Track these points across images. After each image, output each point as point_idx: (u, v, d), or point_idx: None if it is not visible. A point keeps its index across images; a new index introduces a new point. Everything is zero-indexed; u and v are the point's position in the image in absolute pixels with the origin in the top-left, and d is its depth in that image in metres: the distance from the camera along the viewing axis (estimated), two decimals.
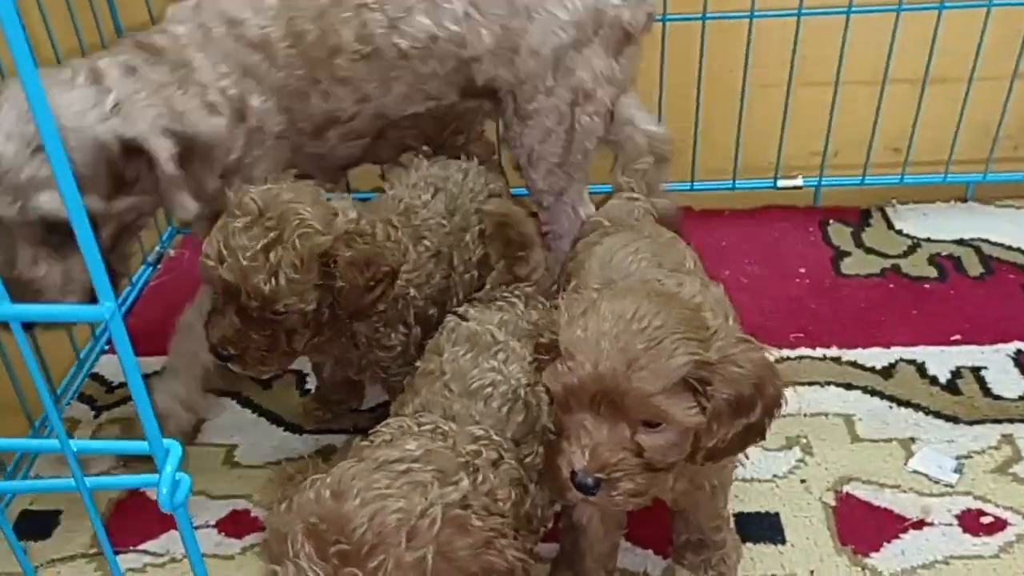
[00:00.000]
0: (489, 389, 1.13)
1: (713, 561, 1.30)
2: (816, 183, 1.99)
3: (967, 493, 1.39)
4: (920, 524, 1.35)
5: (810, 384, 1.59)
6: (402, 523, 0.88)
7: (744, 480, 1.43)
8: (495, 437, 1.08)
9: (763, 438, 1.06)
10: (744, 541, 1.34)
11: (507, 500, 1.03)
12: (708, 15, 1.79)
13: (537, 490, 1.12)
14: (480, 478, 1.00)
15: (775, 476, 1.44)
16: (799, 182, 1.98)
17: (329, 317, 1.25)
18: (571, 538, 1.26)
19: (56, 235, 1.22)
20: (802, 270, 1.85)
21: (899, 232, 1.93)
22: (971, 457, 1.45)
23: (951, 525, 1.35)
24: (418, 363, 1.23)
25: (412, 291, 1.34)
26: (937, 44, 1.83)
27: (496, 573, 0.92)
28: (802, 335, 1.69)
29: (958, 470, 1.43)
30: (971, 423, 1.50)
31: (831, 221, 1.97)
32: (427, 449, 0.97)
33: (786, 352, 1.65)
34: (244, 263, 1.15)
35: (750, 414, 1.02)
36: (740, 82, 1.88)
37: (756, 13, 1.78)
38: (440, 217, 1.40)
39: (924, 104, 1.90)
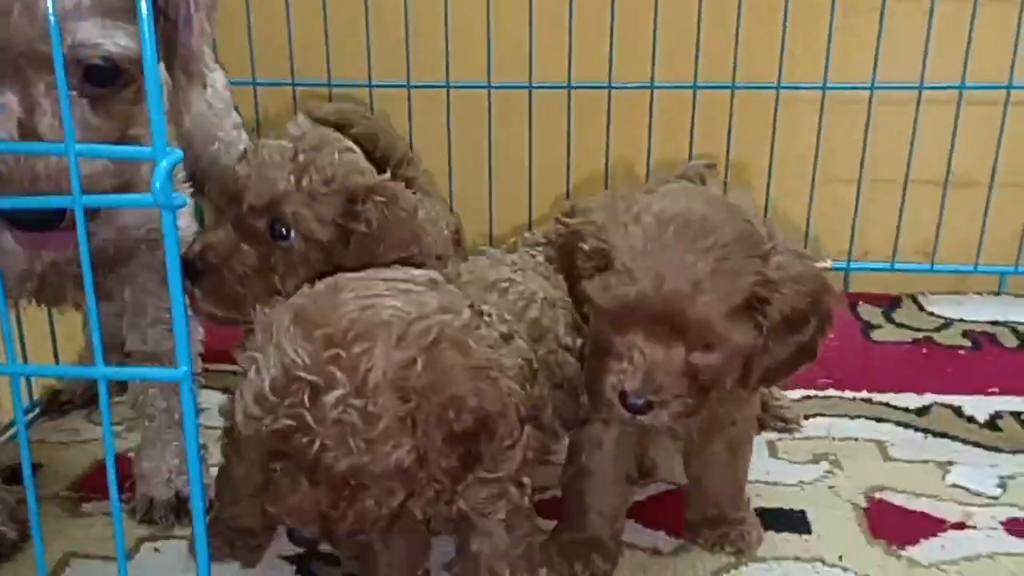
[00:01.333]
0: (505, 284, 1.11)
1: (731, 536, 1.19)
2: (845, 266, 1.99)
3: (1013, 504, 1.27)
4: (961, 525, 1.23)
5: (839, 416, 1.51)
6: (395, 320, 0.84)
7: (767, 483, 1.33)
8: (508, 318, 1.03)
9: (813, 359, 1.02)
10: (766, 530, 1.22)
11: (514, 369, 0.97)
12: (738, 84, 1.87)
13: (549, 390, 1.06)
14: (485, 331, 0.95)
15: (801, 482, 1.33)
16: (828, 264, 1.98)
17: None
18: (576, 490, 1.16)
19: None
20: (830, 336, 1.80)
21: (931, 313, 1.90)
22: (1015, 478, 1.34)
23: (995, 529, 1.22)
24: None
25: None
26: (958, 145, 1.89)
27: (488, 403, 0.86)
28: (830, 381, 1.62)
29: (1001, 486, 1.32)
30: (1014, 452, 1.40)
31: (860, 303, 1.94)
32: (434, 280, 0.93)
33: (813, 392, 1.58)
34: (264, 159, 1.07)
35: (804, 330, 0.99)
36: (766, 170, 1.94)
37: (784, 85, 1.87)
38: None
39: (948, 206, 1.94)
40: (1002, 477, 1.33)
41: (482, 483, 0.96)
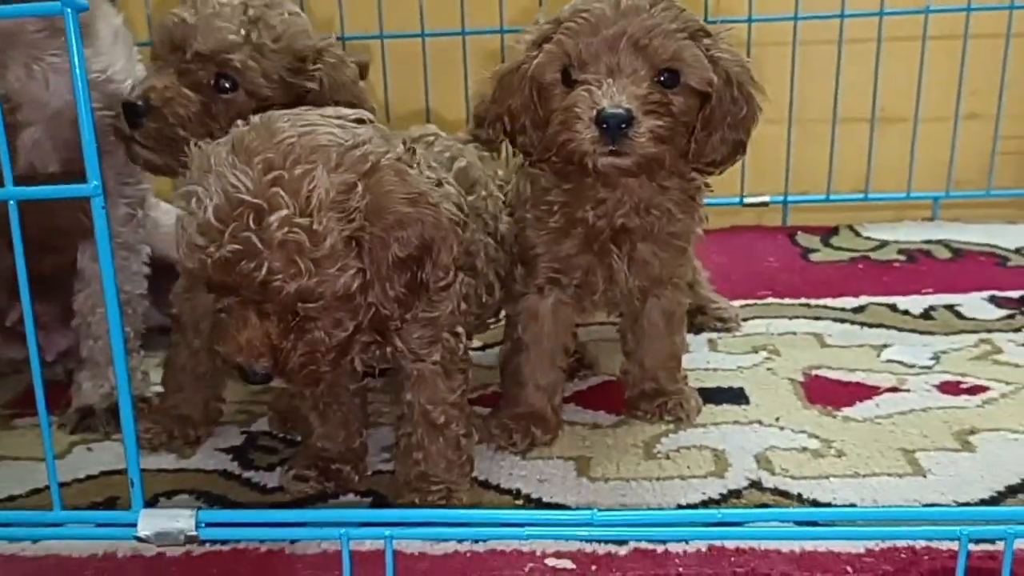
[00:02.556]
0: (431, 138, 1.11)
1: (670, 406, 1.19)
2: (783, 200, 2.02)
3: (946, 372, 1.29)
4: (895, 389, 1.25)
5: (778, 318, 1.53)
6: (332, 145, 0.85)
7: (706, 369, 1.34)
8: (433, 165, 1.03)
9: (744, 151, 1.06)
10: (705, 404, 1.23)
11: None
12: None
13: (482, 237, 1.07)
14: (418, 166, 0.95)
15: (740, 367, 1.34)
16: (766, 199, 2.01)
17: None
18: (514, 365, 1.16)
19: None
20: (771, 259, 1.83)
21: (867, 238, 1.93)
22: (948, 353, 1.36)
23: (929, 391, 1.24)
24: None
25: None
26: (883, 83, 1.94)
27: (429, 228, 0.86)
28: (770, 292, 1.64)
29: (934, 358, 1.34)
30: (947, 334, 1.43)
31: (799, 233, 1.97)
32: (364, 118, 0.93)
33: (753, 302, 1.60)
34: (214, 8, 1.06)
35: (738, 104, 1.03)
36: None
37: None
38: None
39: (879, 142, 1.99)
40: (936, 352, 1.36)
41: (418, 324, 0.96)
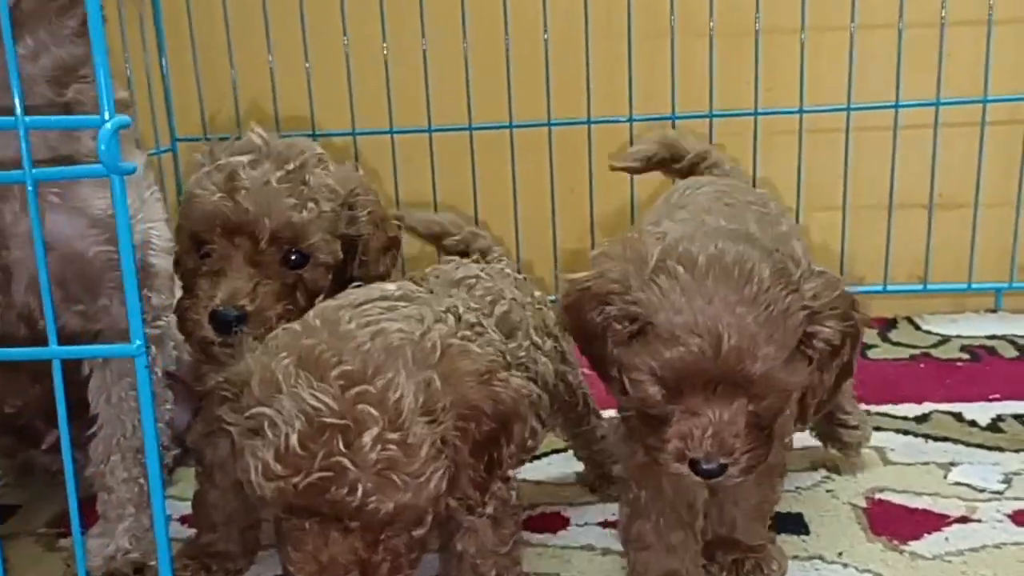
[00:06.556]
0: (472, 281, 1.07)
1: (747, 567, 1.10)
2: None
3: (1018, 498, 1.23)
4: (965, 519, 1.19)
5: None
6: (406, 343, 0.81)
7: None
8: (474, 307, 1.00)
9: (851, 374, 0.98)
10: None
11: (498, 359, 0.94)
12: (715, 112, 1.90)
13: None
14: (463, 326, 0.93)
15: (798, 487, 1.29)
16: None
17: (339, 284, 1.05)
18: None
19: None
20: None
21: (927, 332, 1.87)
22: (1020, 474, 1.29)
23: (1001, 521, 1.18)
24: None
25: None
26: (940, 169, 1.90)
27: (504, 405, 0.83)
28: None
29: (1006, 482, 1.27)
30: (1018, 451, 1.36)
31: None
32: (408, 291, 0.91)
33: None
34: (271, 190, 1.01)
35: (843, 352, 0.94)
36: None
37: (760, 111, 1.88)
38: None
39: (937, 229, 1.94)
40: (1006, 473, 1.29)
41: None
